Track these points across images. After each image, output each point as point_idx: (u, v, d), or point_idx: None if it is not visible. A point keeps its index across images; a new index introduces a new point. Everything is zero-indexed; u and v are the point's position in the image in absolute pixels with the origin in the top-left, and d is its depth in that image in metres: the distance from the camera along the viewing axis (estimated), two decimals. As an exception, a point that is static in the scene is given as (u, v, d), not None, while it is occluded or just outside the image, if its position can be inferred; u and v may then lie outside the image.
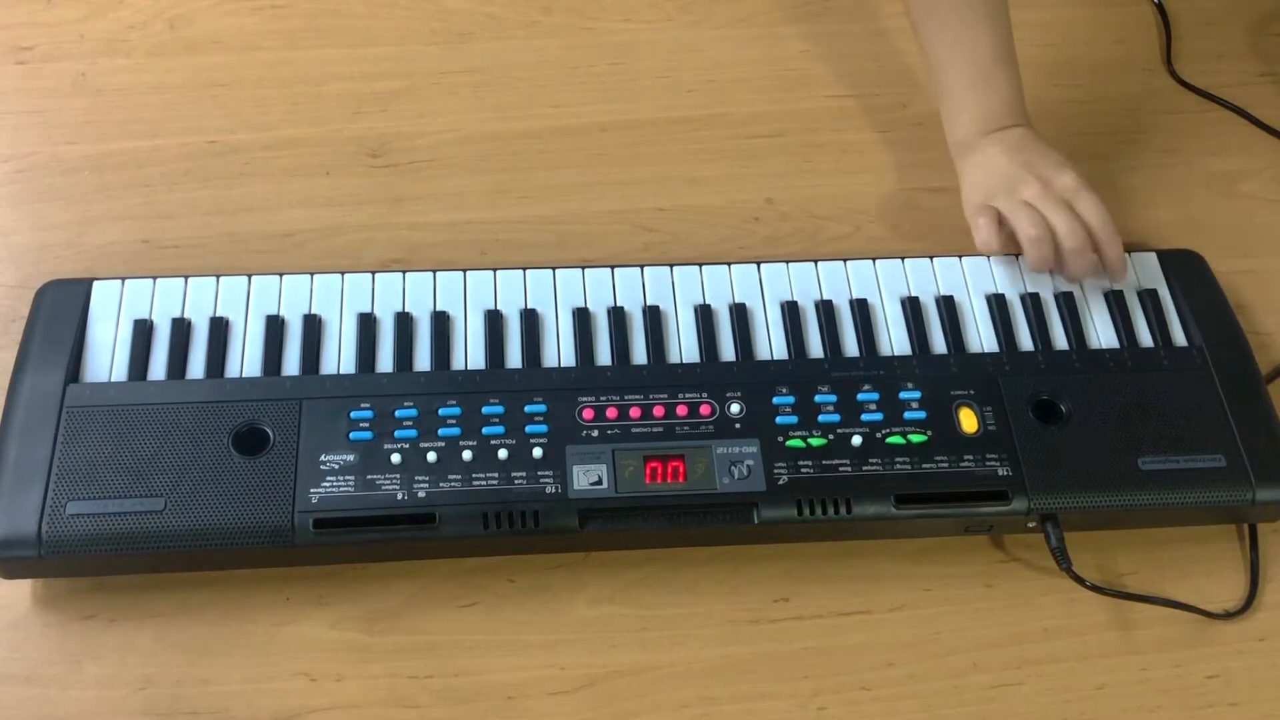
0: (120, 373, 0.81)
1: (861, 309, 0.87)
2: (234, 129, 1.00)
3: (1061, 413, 0.82)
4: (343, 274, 0.87)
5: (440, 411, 0.80)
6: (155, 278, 0.86)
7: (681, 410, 0.81)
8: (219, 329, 0.83)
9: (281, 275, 0.87)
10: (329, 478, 0.77)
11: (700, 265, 0.89)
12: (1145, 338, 0.88)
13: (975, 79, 0.92)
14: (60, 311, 0.83)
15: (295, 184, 0.97)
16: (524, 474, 0.78)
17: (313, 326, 0.84)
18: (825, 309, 0.87)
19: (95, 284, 0.85)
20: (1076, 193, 0.87)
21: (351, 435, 0.78)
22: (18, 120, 1.00)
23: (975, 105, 0.92)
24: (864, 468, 0.79)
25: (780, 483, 0.78)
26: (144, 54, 1.05)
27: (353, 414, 0.79)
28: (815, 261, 0.90)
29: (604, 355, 0.84)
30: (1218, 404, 0.83)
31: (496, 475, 0.78)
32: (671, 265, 0.89)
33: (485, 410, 0.80)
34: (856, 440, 0.80)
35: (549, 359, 0.84)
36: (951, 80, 0.93)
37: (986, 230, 0.86)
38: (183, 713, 0.75)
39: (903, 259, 0.90)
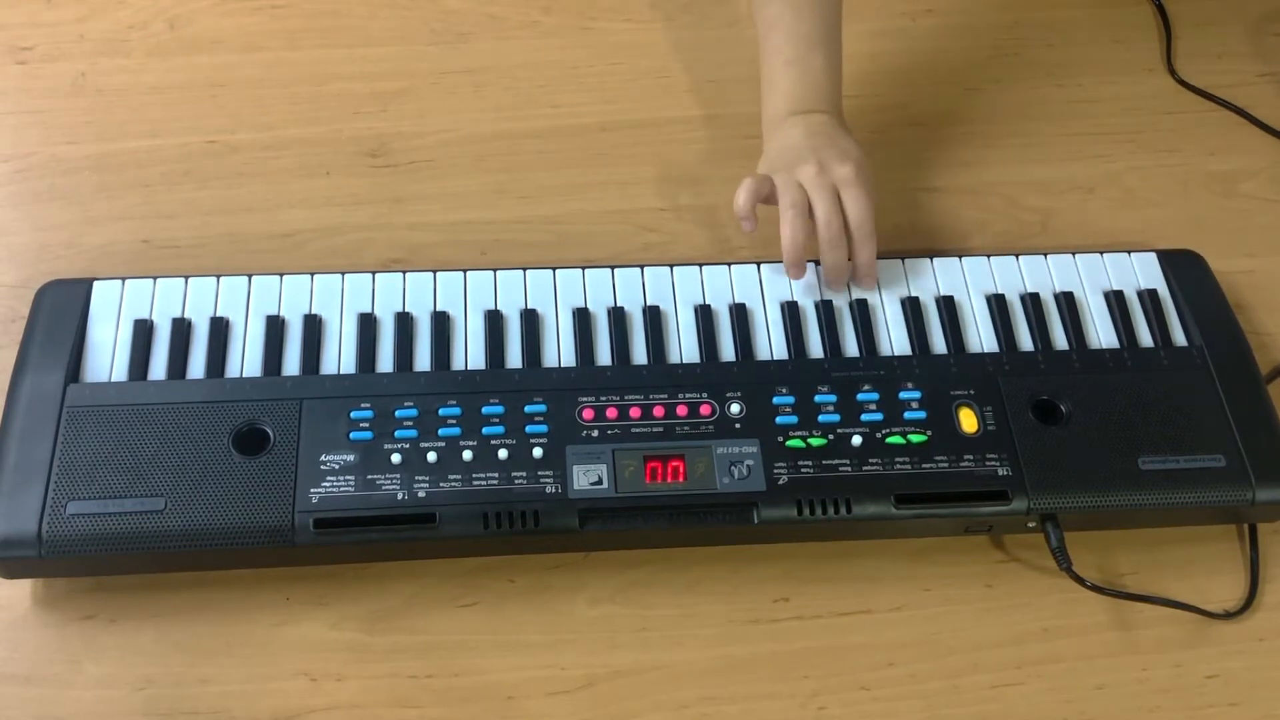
0: (120, 373, 0.81)
1: (861, 309, 0.87)
2: (234, 129, 1.00)
3: (1061, 413, 0.82)
4: (343, 274, 0.87)
5: (440, 411, 0.80)
6: (155, 278, 0.86)
7: (681, 410, 0.81)
8: (219, 329, 0.83)
9: (281, 275, 0.87)
10: (329, 478, 0.77)
11: (700, 265, 0.89)
12: (1145, 338, 0.88)
13: (790, 59, 0.91)
14: (60, 311, 0.83)
15: (295, 184, 0.97)
16: (524, 474, 0.78)
17: (313, 326, 0.84)
18: (825, 309, 0.87)
19: (95, 284, 0.85)
20: (848, 185, 0.85)
21: (351, 435, 0.79)
22: (18, 120, 1.00)
23: (787, 85, 0.91)
24: (864, 468, 0.79)
25: (780, 483, 0.78)
26: (144, 54, 1.05)
27: (353, 414, 0.79)
28: (815, 262, 0.90)
29: (604, 355, 0.84)
30: (1218, 404, 0.83)
31: (496, 475, 0.78)
32: (671, 265, 0.89)
33: (485, 410, 0.80)
34: (856, 440, 0.80)
35: (549, 359, 0.84)
36: (768, 57, 0.93)
37: (744, 191, 0.84)
38: (183, 713, 0.75)
39: (903, 259, 0.90)
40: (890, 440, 0.80)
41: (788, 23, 0.91)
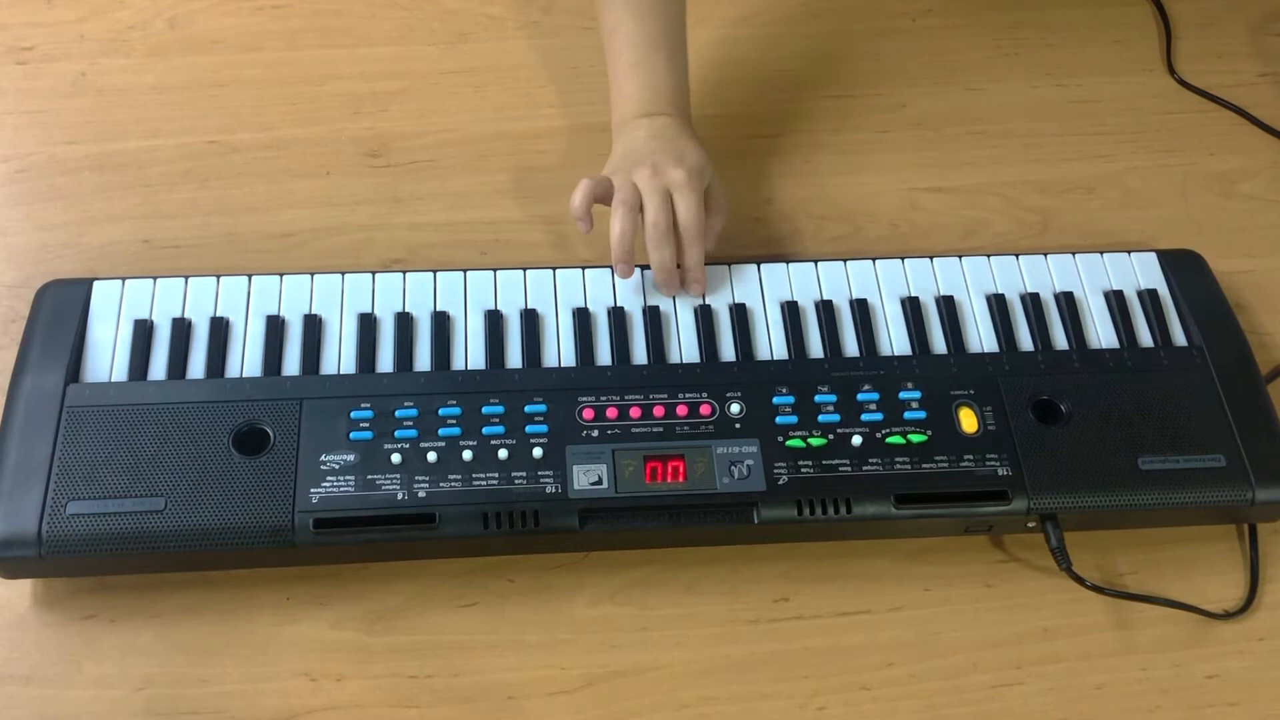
0: (120, 373, 0.81)
1: (861, 309, 0.87)
2: (234, 129, 1.00)
3: (1061, 413, 0.82)
4: (343, 274, 0.87)
5: (440, 411, 0.80)
6: (155, 278, 0.86)
7: (681, 410, 0.81)
8: (219, 329, 0.83)
9: (281, 275, 0.87)
10: (329, 478, 0.77)
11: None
12: (1145, 338, 0.88)
13: (634, 63, 0.91)
14: (60, 311, 0.83)
15: (295, 184, 0.97)
16: (524, 474, 0.78)
17: (313, 326, 0.84)
18: (825, 309, 0.87)
19: (95, 284, 0.85)
20: (679, 188, 0.85)
21: (352, 435, 0.79)
22: (18, 120, 1.00)
23: (631, 89, 0.91)
24: (864, 468, 0.79)
25: (780, 483, 0.78)
26: (144, 54, 1.05)
27: (353, 414, 0.79)
28: (815, 261, 0.90)
29: (604, 355, 0.84)
30: (1218, 404, 0.83)
31: (496, 475, 0.78)
32: (671, 265, 0.89)
33: (485, 410, 0.80)
34: (856, 440, 0.80)
35: (549, 359, 0.84)
36: (612, 61, 0.93)
37: (579, 192, 0.84)
38: (183, 713, 0.75)
39: (903, 259, 0.90)
40: (890, 440, 0.80)
41: (629, 27, 0.91)
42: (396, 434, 0.79)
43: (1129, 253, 0.92)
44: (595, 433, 0.79)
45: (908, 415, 0.81)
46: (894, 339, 0.87)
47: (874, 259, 0.90)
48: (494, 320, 0.85)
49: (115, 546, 0.75)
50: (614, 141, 0.92)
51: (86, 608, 0.78)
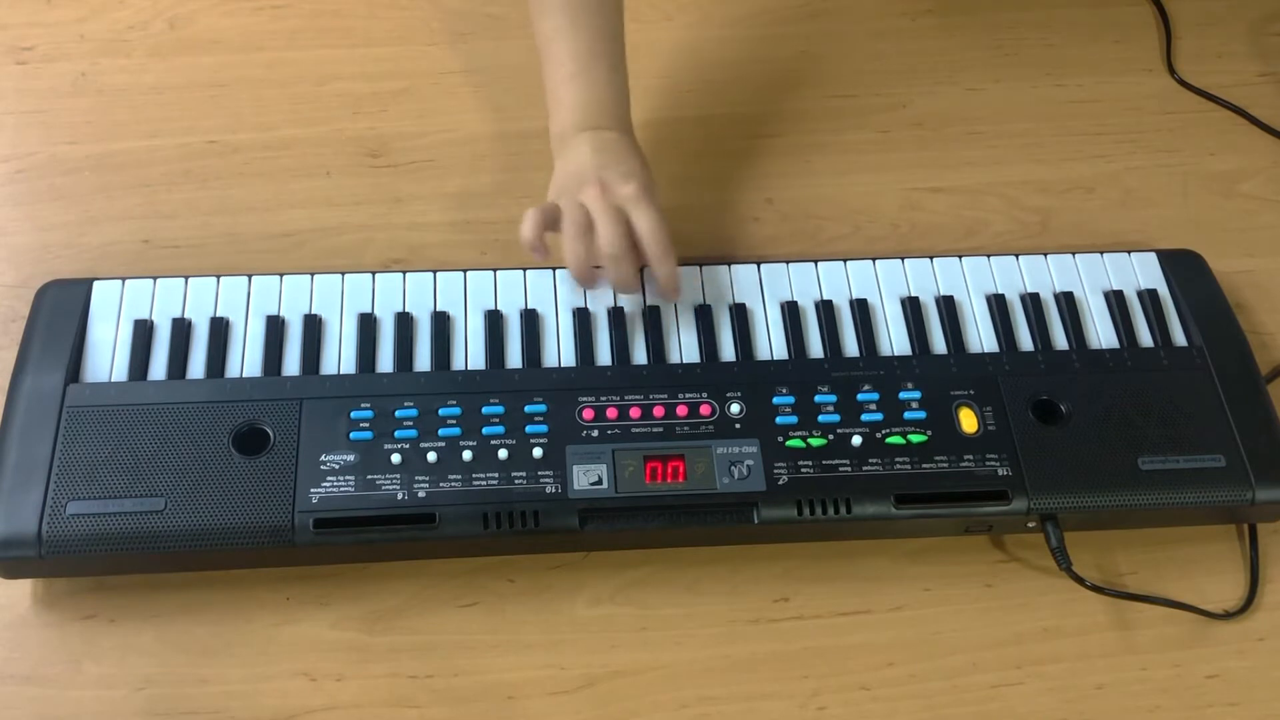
0: (120, 373, 0.81)
1: (861, 309, 0.87)
2: (234, 129, 1.00)
3: (1061, 413, 0.82)
4: (343, 274, 0.87)
5: (440, 411, 0.80)
6: (155, 278, 0.86)
7: (681, 410, 0.81)
8: (219, 329, 0.83)
9: (281, 275, 0.87)
10: (329, 478, 0.77)
11: (700, 265, 0.89)
12: (1145, 338, 0.88)
13: (573, 74, 0.88)
14: (60, 311, 0.83)
15: (295, 184, 0.97)
16: (524, 474, 0.78)
17: (313, 326, 0.84)
18: (825, 309, 0.87)
19: (95, 284, 0.85)
20: (633, 203, 0.83)
21: (352, 435, 0.79)
22: (18, 120, 1.00)
23: (571, 101, 0.88)
24: (864, 468, 0.79)
25: (780, 483, 0.78)
26: (144, 54, 1.05)
27: (353, 414, 0.79)
28: (815, 261, 0.90)
29: (604, 355, 0.84)
30: (1218, 404, 0.83)
31: (496, 475, 0.78)
32: (671, 265, 0.89)
33: (485, 410, 0.80)
34: (856, 440, 0.80)
35: (549, 359, 0.84)
36: (550, 73, 0.90)
37: (528, 222, 0.81)
38: (183, 713, 0.75)
39: (903, 259, 0.90)
40: (890, 440, 0.80)
41: (566, 37, 0.88)
42: (396, 434, 0.79)
43: (1129, 253, 0.92)
44: (595, 433, 0.79)
45: (908, 415, 0.81)
46: (894, 339, 0.87)
47: (874, 259, 0.90)
48: (494, 320, 0.85)
49: (115, 546, 0.75)
50: (555, 157, 0.89)
51: (86, 608, 0.78)
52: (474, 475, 0.77)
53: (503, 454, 0.78)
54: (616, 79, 0.89)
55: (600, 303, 0.86)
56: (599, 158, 0.85)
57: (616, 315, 0.86)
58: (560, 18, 0.88)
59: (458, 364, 0.84)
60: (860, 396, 0.82)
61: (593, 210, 0.83)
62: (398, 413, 0.79)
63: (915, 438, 0.81)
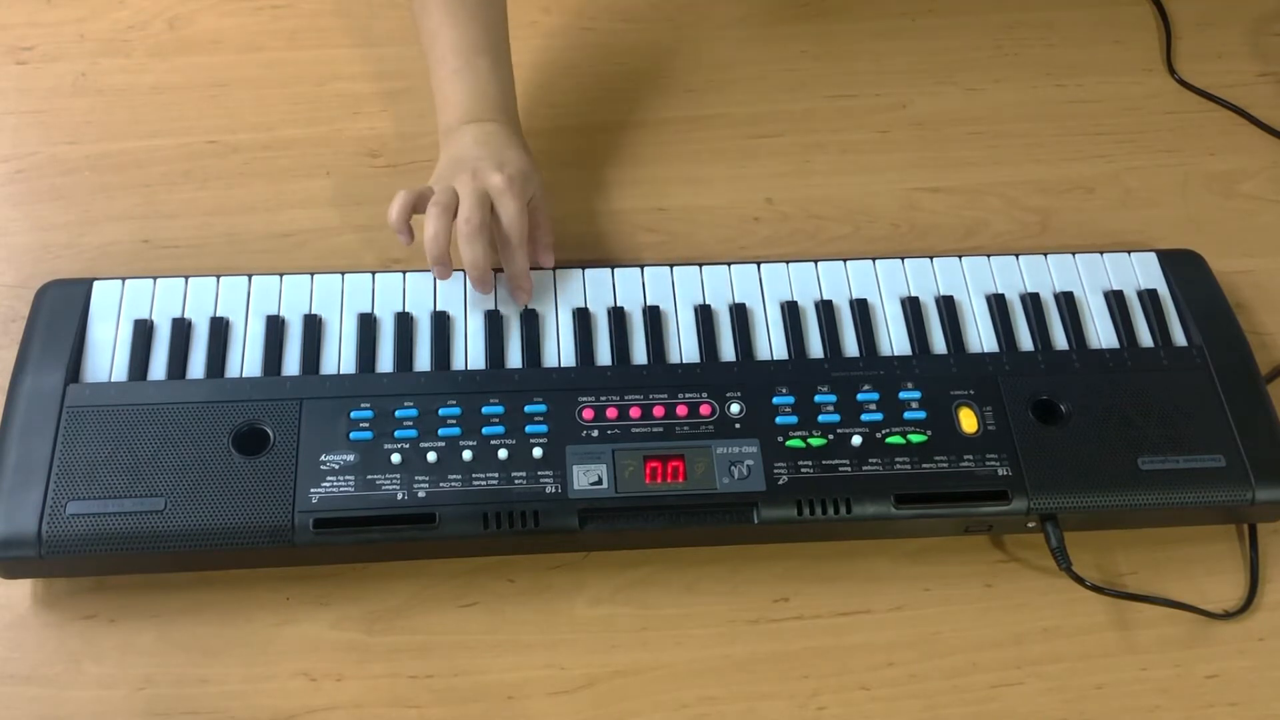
0: (120, 373, 0.81)
1: (861, 309, 0.87)
2: (234, 129, 1.00)
3: (1061, 413, 0.82)
4: (343, 274, 0.87)
5: (440, 411, 0.80)
6: (155, 278, 0.86)
7: (681, 410, 0.81)
8: (219, 329, 0.83)
9: (281, 275, 0.87)
10: (329, 478, 0.77)
11: (700, 265, 0.89)
12: (1145, 338, 0.88)
13: (456, 69, 0.89)
14: (60, 311, 0.83)
15: (295, 184, 0.97)
16: (524, 474, 0.78)
17: (313, 326, 0.84)
18: (825, 309, 0.87)
19: (95, 284, 0.85)
20: (499, 193, 0.83)
21: (351, 435, 0.79)
22: (18, 120, 1.00)
23: (456, 96, 0.89)
24: (864, 468, 0.79)
25: (780, 483, 0.78)
26: (144, 54, 1.05)
27: (353, 414, 0.79)
28: (815, 261, 0.90)
29: (604, 355, 0.84)
30: (1218, 404, 0.83)
31: (496, 475, 0.78)
32: (671, 265, 0.89)
33: (485, 410, 0.80)
34: (856, 440, 0.80)
35: (549, 359, 0.84)
36: (434, 69, 0.91)
37: (395, 205, 0.82)
38: (183, 713, 0.75)
39: (903, 259, 0.90)
40: (890, 440, 0.80)
41: (448, 33, 0.89)
42: (396, 434, 0.79)
43: (1129, 252, 0.92)
44: (595, 433, 0.79)
45: (908, 415, 0.81)
46: (894, 339, 0.87)
47: (874, 259, 0.90)
48: (494, 320, 0.85)
49: (115, 546, 0.75)
50: (440, 149, 0.90)
51: (86, 608, 0.78)
52: (474, 475, 0.77)
53: (503, 454, 0.78)
54: (500, 71, 0.90)
55: (600, 303, 0.86)
56: (478, 149, 0.87)
57: (616, 315, 0.86)
58: (441, 14, 0.90)
59: (458, 364, 0.84)
60: (860, 396, 0.82)
61: (460, 192, 0.83)
62: (398, 413, 0.79)
63: (915, 438, 0.81)
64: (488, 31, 0.90)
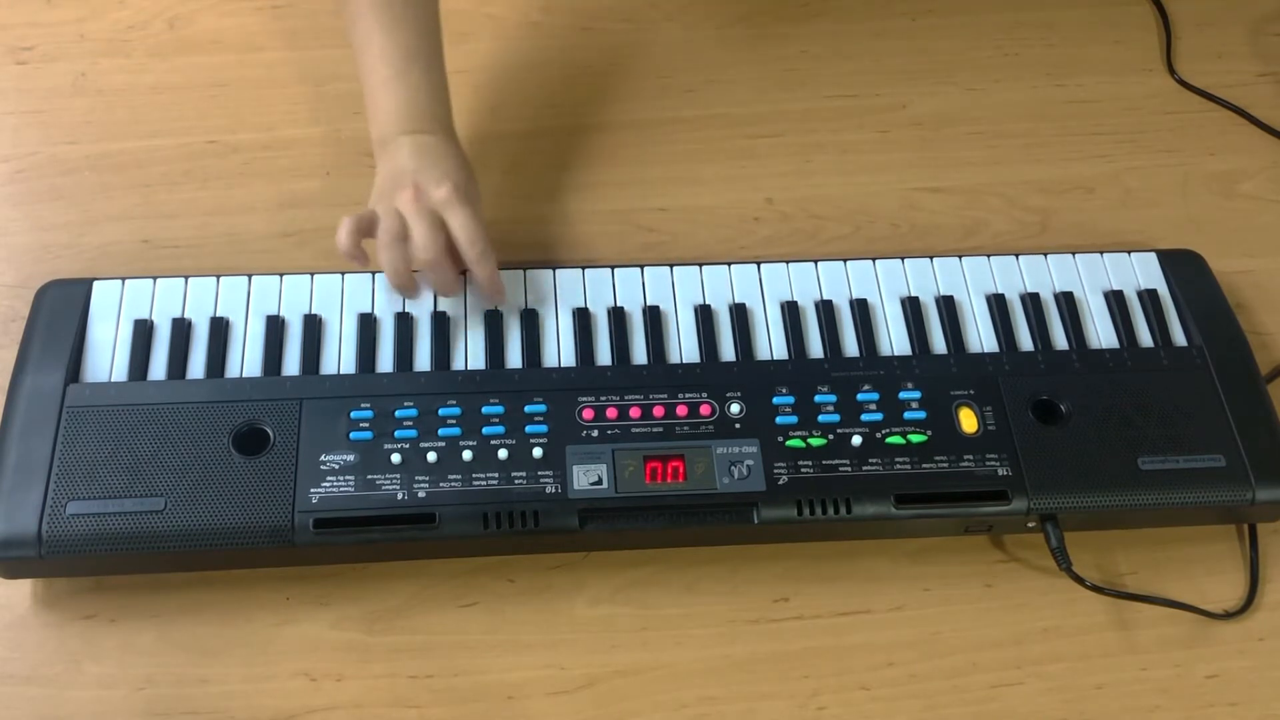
0: (120, 373, 0.81)
1: (861, 309, 0.87)
2: (234, 129, 1.00)
3: (1061, 413, 0.82)
4: (343, 274, 0.87)
5: (440, 411, 0.80)
6: (155, 278, 0.86)
7: (681, 410, 0.81)
8: (219, 329, 0.83)
9: (281, 275, 0.87)
10: (329, 478, 0.77)
11: (700, 265, 0.89)
12: (1145, 338, 0.88)
13: (387, 78, 0.87)
14: (60, 311, 0.83)
15: (295, 184, 0.97)
16: (524, 474, 0.78)
17: (313, 326, 0.84)
18: (825, 309, 0.87)
19: (95, 284, 0.85)
20: (447, 207, 0.82)
21: (351, 435, 0.79)
22: (18, 120, 1.00)
23: (389, 105, 0.87)
24: (864, 468, 0.79)
25: (780, 483, 0.78)
26: (144, 54, 1.05)
27: (353, 414, 0.79)
28: (815, 261, 0.90)
29: (604, 355, 0.84)
30: (1218, 404, 0.83)
31: (496, 475, 0.78)
32: (671, 265, 0.89)
33: (485, 410, 0.80)
34: (856, 440, 0.80)
35: (549, 359, 0.84)
36: (365, 77, 0.89)
37: (343, 231, 0.80)
38: (183, 713, 0.75)
39: (903, 259, 0.90)
40: (890, 440, 0.80)
41: (379, 40, 0.87)
42: (396, 434, 0.79)
43: (1129, 253, 0.92)
44: (595, 433, 0.79)
45: (908, 415, 0.81)
46: (894, 339, 0.87)
47: (874, 259, 0.90)
48: (494, 320, 0.85)
49: (115, 546, 0.75)
50: (376, 162, 0.88)
51: (86, 608, 0.78)
52: (474, 475, 0.77)
53: (503, 454, 0.78)
54: (433, 80, 0.88)
55: (600, 303, 0.86)
56: (415, 161, 0.85)
57: (617, 315, 0.86)
58: (371, 21, 0.87)
59: (458, 364, 0.84)
60: (860, 396, 0.82)
61: (407, 215, 0.82)
62: (398, 413, 0.79)
63: (915, 438, 0.81)
64: (419, 39, 0.88)
